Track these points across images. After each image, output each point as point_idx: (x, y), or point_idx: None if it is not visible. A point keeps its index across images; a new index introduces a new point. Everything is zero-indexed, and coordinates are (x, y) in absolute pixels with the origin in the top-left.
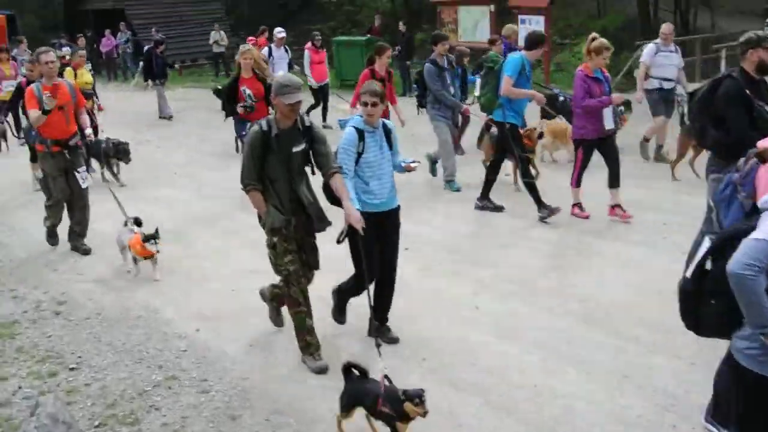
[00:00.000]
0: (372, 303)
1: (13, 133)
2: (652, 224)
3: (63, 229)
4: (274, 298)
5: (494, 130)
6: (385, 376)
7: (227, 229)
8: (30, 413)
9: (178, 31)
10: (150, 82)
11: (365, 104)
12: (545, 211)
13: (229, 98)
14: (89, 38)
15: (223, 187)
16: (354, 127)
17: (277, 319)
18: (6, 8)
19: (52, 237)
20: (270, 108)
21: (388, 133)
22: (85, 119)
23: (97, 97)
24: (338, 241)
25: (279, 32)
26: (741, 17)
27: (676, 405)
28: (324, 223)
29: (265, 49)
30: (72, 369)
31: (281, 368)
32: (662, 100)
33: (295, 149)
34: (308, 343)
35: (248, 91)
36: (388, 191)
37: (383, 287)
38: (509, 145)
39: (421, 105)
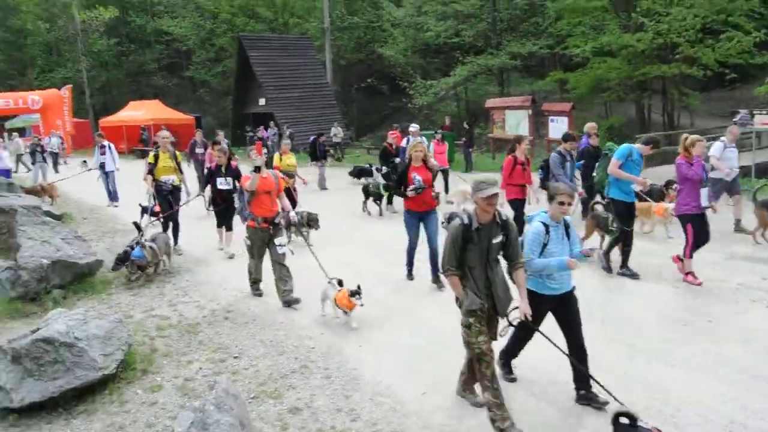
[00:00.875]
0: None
1: (207, 208)
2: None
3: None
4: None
5: (598, 207)
6: (657, 429)
7: (351, 262)
8: (209, 387)
9: (307, 127)
10: (315, 162)
11: (562, 203)
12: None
13: (400, 182)
14: (249, 132)
15: (358, 238)
16: (541, 222)
17: (473, 400)
18: (195, 112)
19: (256, 290)
20: (432, 192)
21: (567, 226)
22: (286, 202)
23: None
24: (510, 324)
25: (413, 127)
26: (712, 117)
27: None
28: (509, 303)
29: (405, 140)
30: (235, 357)
31: (384, 363)
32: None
33: (494, 241)
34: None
35: (418, 177)
36: (567, 277)
37: (580, 356)
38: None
39: (543, 187)
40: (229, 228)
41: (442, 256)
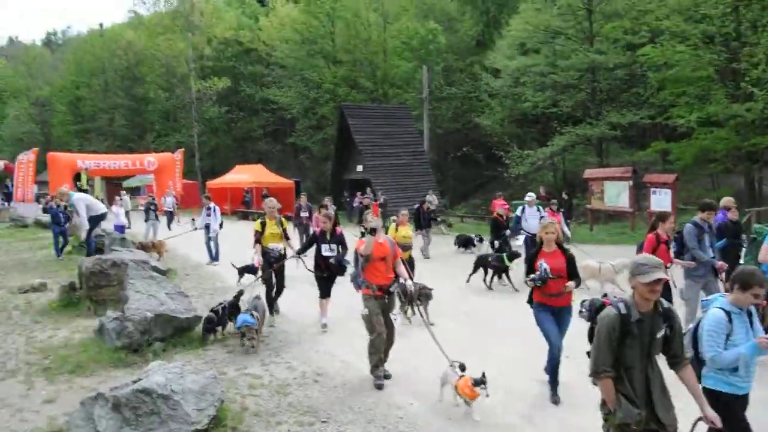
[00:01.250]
0: None
1: (307, 268)
2: None
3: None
4: None
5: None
6: None
7: (456, 338)
8: None
9: (402, 194)
10: (419, 231)
11: (756, 296)
12: None
13: (529, 268)
14: (346, 198)
15: (459, 309)
16: (721, 308)
17: None
18: (296, 177)
19: (378, 376)
20: (566, 283)
21: (750, 314)
22: (402, 269)
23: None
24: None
25: (530, 196)
26: None
27: None
28: (671, 412)
29: (519, 209)
30: (323, 422)
31: None
32: None
33: (658, 335)
34: None
35: (545, 266)
36: (753, 372)
37: None
38: None
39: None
40: (328, 295)
41: (592, 356)
